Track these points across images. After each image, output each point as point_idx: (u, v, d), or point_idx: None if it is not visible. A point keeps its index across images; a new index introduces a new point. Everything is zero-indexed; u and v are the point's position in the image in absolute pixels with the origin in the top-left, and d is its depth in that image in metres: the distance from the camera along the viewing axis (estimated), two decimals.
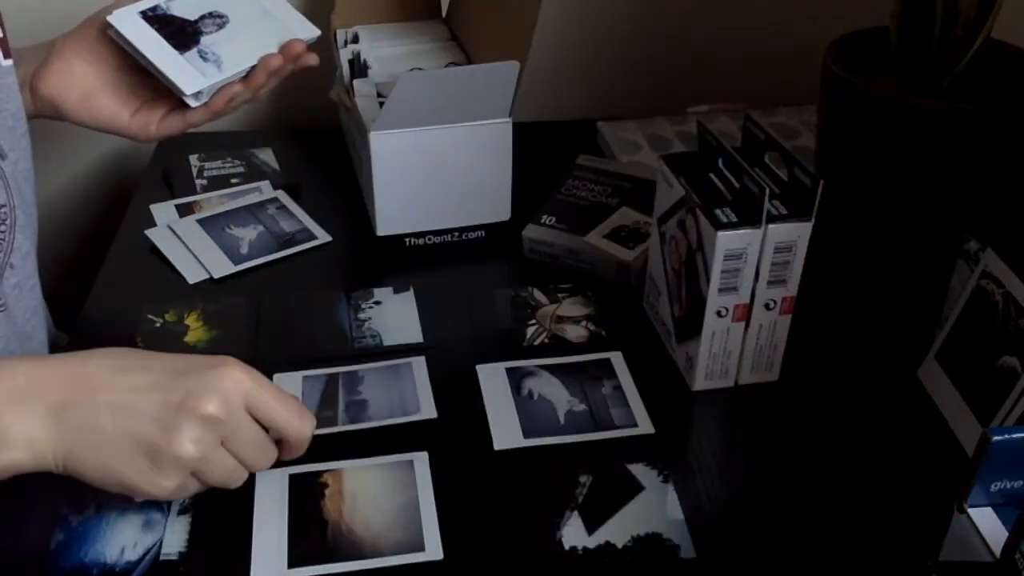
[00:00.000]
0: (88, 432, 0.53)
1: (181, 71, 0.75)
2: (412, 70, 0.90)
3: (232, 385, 0.55)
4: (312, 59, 0.79)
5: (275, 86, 0.80)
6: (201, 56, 0.76)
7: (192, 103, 0.76)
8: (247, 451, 0.57)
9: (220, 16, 0.79)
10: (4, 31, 0.66)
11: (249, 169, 0.98)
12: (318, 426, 0.64)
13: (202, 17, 0.79)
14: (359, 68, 0.92)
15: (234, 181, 0.96)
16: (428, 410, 0.67)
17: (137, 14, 0.76)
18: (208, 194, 0.93)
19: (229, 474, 0.57)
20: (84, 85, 0.76)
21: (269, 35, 0.78)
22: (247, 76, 0.77)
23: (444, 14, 1.03)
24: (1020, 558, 0.45)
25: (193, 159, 0.99)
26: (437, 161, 0.82)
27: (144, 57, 0.75)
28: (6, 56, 0.67)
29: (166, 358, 0.57)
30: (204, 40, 0.77)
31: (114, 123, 0.77)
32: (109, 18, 0.75)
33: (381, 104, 0.85)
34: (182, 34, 0.77)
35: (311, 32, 0.80)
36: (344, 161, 0.97)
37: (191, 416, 0.54)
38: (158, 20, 0.77)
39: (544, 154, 0.94)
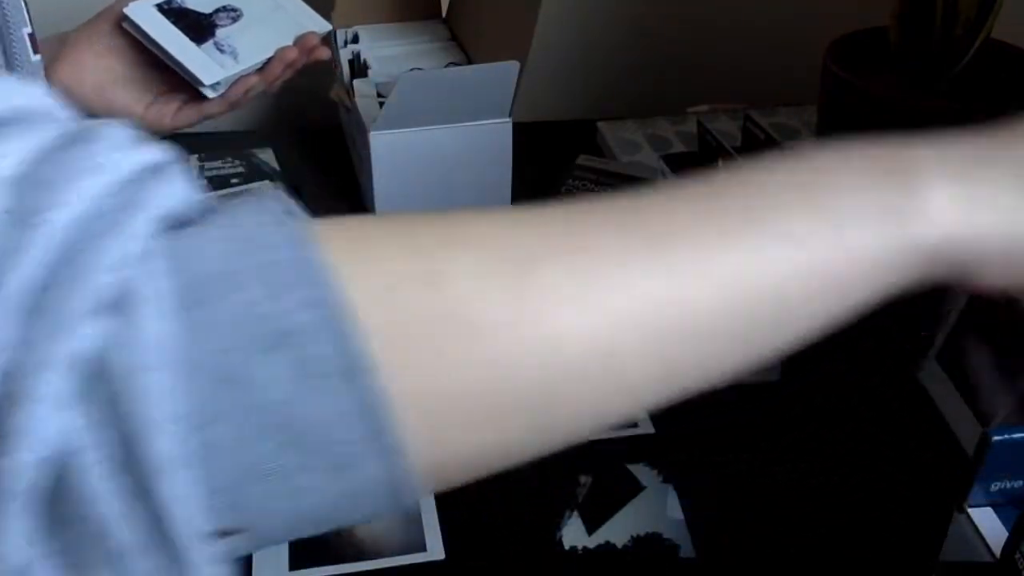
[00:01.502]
0: None
1: (199, 63, 0.76)
2: (412, 70, 0.90)
3: None
4: (324, 52, 0.81)
5: (287, 78, 0.80)
6: (218, 48, 0.77)
7: (210, 94, 0.77)
8: None
9: (234, 9, 0.80)
10: (32, 26, 0.67)
11: (249, 169, 0.98)
12: None
13: (216, 10, 0.80)
14: (359, 68, 0.92)
15: (234, 181, 0.95)
16: None
17: (153, 6, 0.77)
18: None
19: None
20: (97, 77, 0.77)
21: (283, 28, 0.80)
22: (263, 68, 0.78)
23: (444, 14, 1.03)
24: (1020, 558, 0.45)
25: (193, 159, 0.99)
26: (437, 161, 0.82)
27: (162, 49, 0.75)
28: (35, 51, 0.67)
29: None
30: (219, 32, 0.78)
31: (128, 115, 0.78)
32: (126, 10, 0.76)
33: (381, 104, 0.85)
34: (198, 27, 0.78)
35: (323, 25, 0.81)
36: (344, 161, 0.97)
37: None
38: (174, 13, 0.77)
39: (544, 154, 0.94)
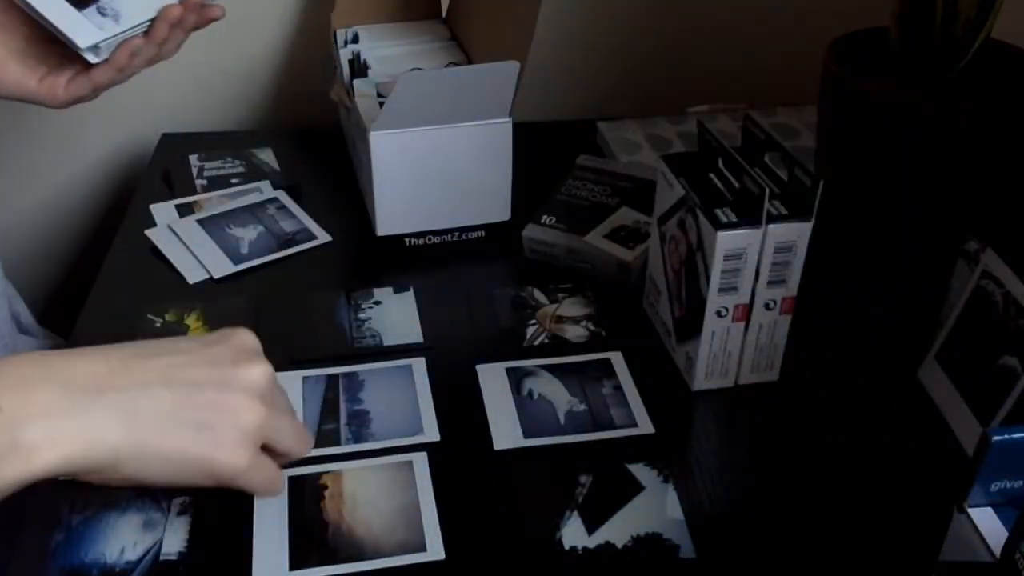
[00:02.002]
0: (150, 412, 0.51)
1: (77, 26, 0.75)
2: (412, 70, 0.90)
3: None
4: (217, 12, 0.78)
5: (179, 40, 0.79)
6: (100, 12, 0.75)
7: (91, 58, 0.76)
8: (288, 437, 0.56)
9: None
10: None
11: (249, 169, 0.98)
12: (320, 443, 0.64)
13: None
14: (359, 68, 0.92)
15: (234, 181, 0.96)
16: (431, 430, 0.67)
17: None
18: (208, 194, 0.93)
19: (294, 442, 0.56)
20: None
21: None
22: (149, 30, 0.77)
23: (444, 14, 1.03)
24: (1020, 558, 0.45)
25: (193, 159, 0.99)
26: (437, 161, 0.82)
27: (41, 15, 0.74)
28: None
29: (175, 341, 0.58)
30: None
31: (22, 90, 0.77)
32: None
33: (381, 104, 0.85)
34: None
35: None
36: (344, 161, 0.97)
37: (242, 382, 0.54)
38: None
39: (544, 154, 0.94)
